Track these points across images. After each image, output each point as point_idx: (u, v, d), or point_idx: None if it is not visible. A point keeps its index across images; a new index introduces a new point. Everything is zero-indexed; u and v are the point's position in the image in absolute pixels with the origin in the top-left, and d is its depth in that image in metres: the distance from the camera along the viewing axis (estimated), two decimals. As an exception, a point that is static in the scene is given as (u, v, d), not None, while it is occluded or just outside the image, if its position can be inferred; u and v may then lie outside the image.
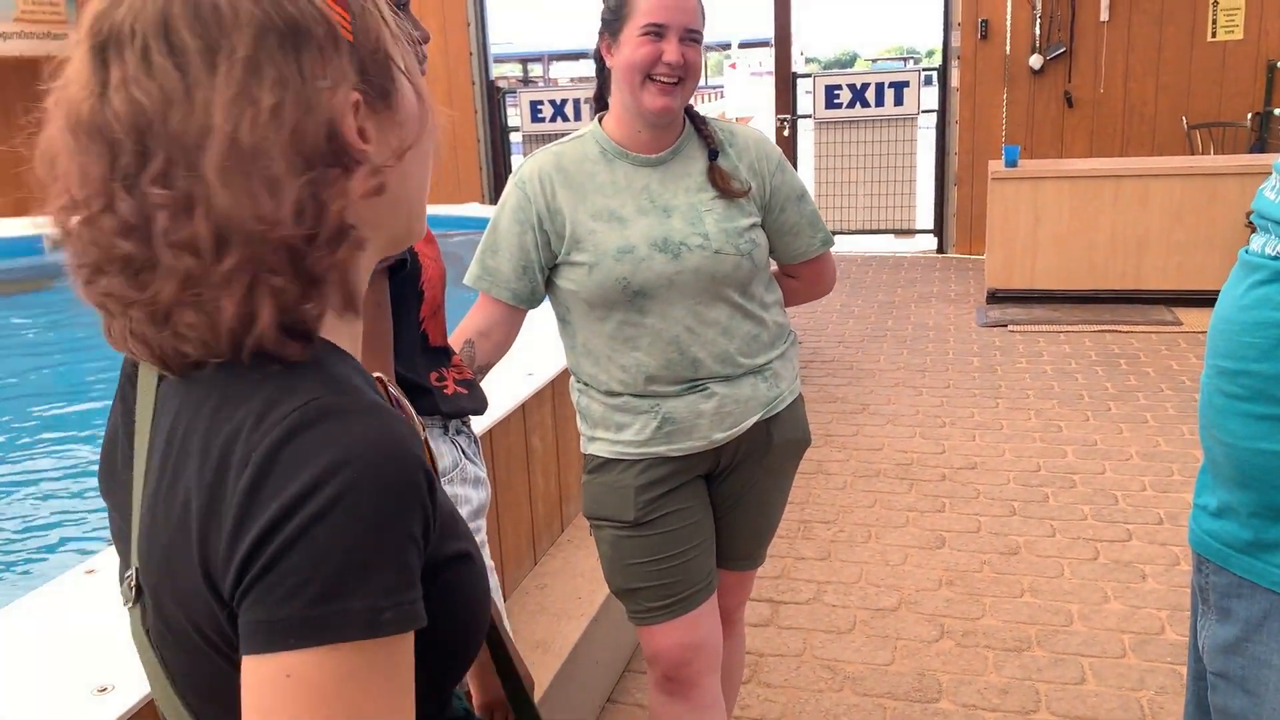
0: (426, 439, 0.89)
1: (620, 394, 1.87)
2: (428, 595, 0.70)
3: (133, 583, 0.76)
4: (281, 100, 0.69)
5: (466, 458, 1.48)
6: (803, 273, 2.04)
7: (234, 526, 0.65)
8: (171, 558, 0.70)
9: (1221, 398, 1.24)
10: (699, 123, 1.89)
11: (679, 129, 1.88)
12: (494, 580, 1.47)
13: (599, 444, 1.92)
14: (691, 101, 1.90)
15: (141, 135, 0.69)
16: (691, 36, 1.77)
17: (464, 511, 1.44)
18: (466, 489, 1.46)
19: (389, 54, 0.77)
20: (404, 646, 0.67)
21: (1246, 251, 1.28)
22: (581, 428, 1.97)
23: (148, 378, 0.78)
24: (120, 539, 0.81)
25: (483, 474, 1.51)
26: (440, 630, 0.73)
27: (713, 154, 1.86)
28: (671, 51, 1.74)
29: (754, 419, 1.90)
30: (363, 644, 0.63)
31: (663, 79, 1.76)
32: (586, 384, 1.92)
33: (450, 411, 1.44)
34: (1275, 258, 1.21)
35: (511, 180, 1.88)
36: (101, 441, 0.87)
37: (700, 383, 1.85)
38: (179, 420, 0.73)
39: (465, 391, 1.48)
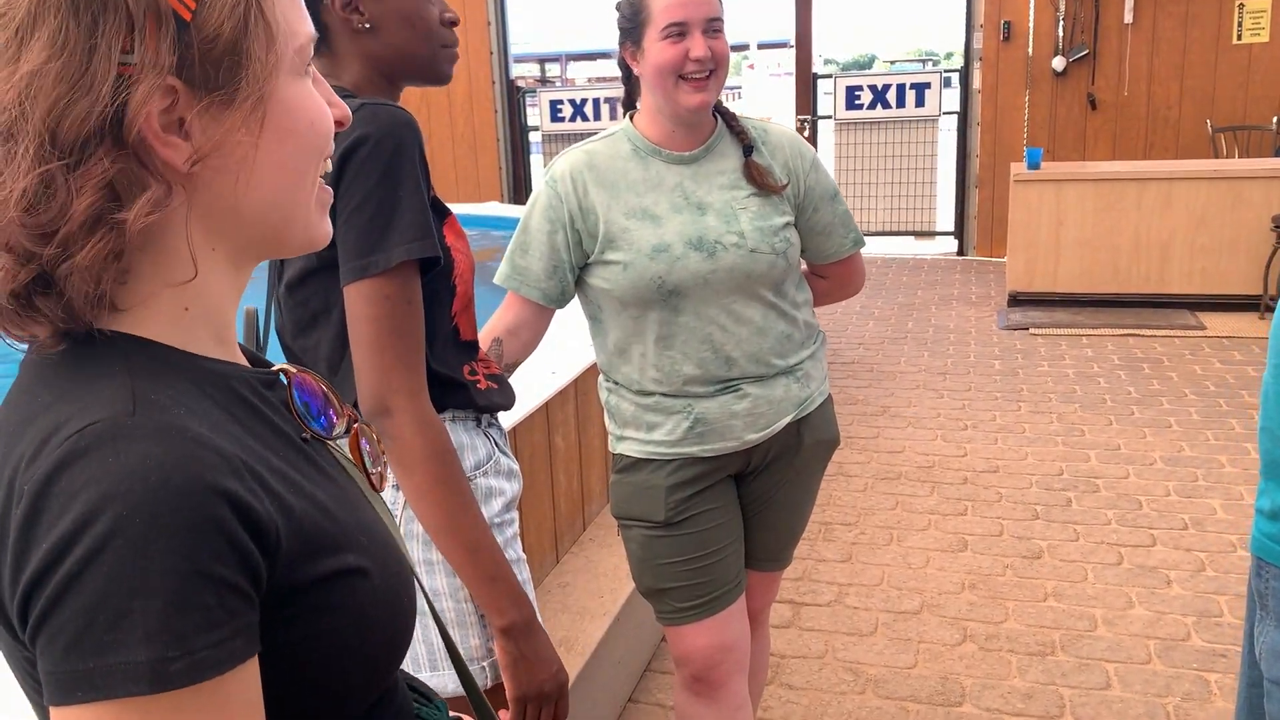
0: (362, 436, 0.84)
1: (653, 393, 1.86)
2: (309, 615, 0.66)
3: None
4: (45, 66, 0.61)
5: (500, 450, 1.48)
6: (832, 273, 2.03)
7: (14, 564, 0.61)
8: None
9: None
10: (730, 119, 1.88)
11: (711, 126, 1.86)
12: (526, 573, 1.47)
13: (629, 443, 1.91)
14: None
15: None
16: (714, 26, 1.75)
17: (497, 504, 1.43)
18: (500, 481, 1.46)
19: (240, 47, 0.67)
20: (227, 686, 0.60)
21: None
22: (610, 427, 1.96)
23: None
24: None
25: (515, 466, 1.51)
26: (331, 646, 0.69)
27: (747, 149, 1.85)
28: (698, 47, 1.73)
29: (786, 420, 1.89)
30: (159, 697, 0.58)
31: (694, 75, 1.74)
32: (618, 383, 1.91)
33: (485, 406, 1.44)
34: None
35: (543, 179, 1.87)
36: None
37: (734, 383, 1.84)
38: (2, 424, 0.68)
39: (496, 386, 1.48)
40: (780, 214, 1.85)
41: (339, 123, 0.77)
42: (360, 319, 1.24)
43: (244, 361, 0.79)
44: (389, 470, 0.89)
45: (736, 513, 1.96)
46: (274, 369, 0.80)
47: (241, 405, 0.72)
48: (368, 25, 1.35)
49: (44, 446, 0.62)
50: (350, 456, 0.84)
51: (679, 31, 1.73)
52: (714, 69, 1.76)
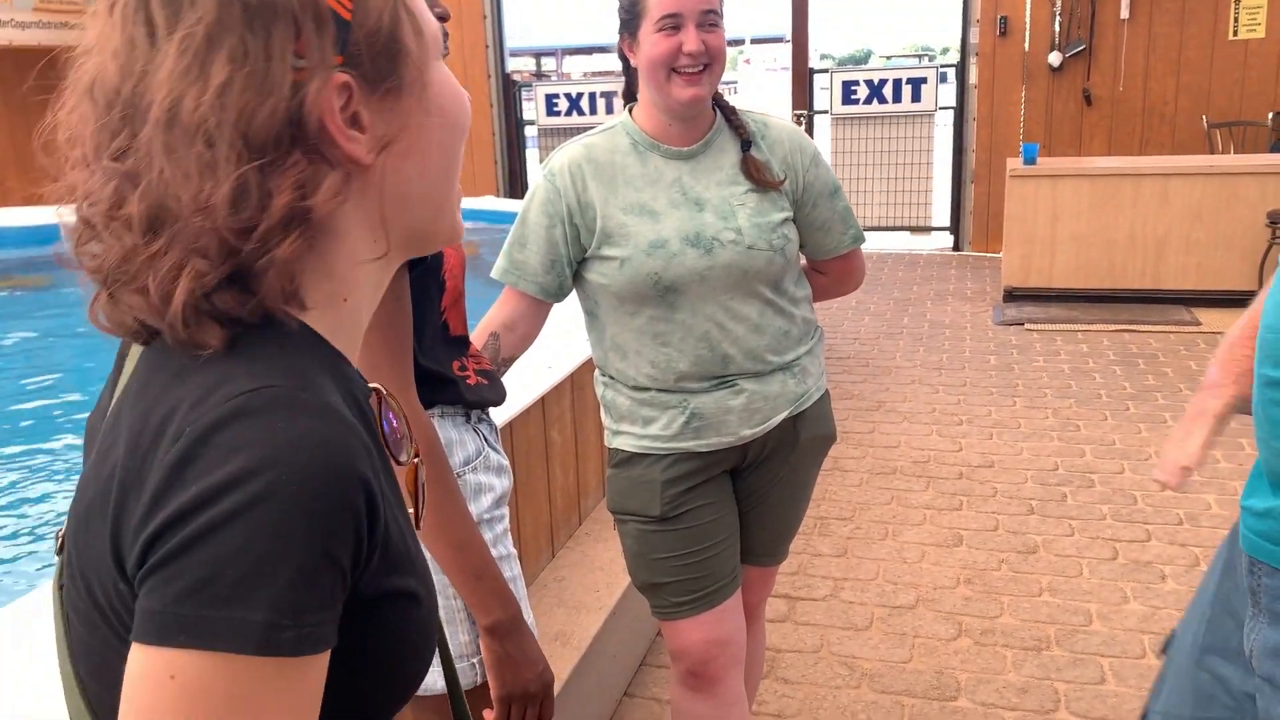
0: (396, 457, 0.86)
1: (648, 389, 1.85)
2: (363, 627, 0.67)
3: (61, 534, 0.75)
4: (231, 78, 0.65)
5: (489, 445, 1.47)
6: (832, 269, 2.02)
7: (150, 501, 0.62)
8: (89, 520, 0.68)
9: (1271, 407, 1.23)
10: (729, 113, 1.86)
11: (710, 120, 1.85)
12: (516, 569, 1.46)
13: (624, 438, 1.91)
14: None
15: (112, 103, 0.68)
16: (709, 20, 1.73)
17: (487, 500, 1.43)
18: (490, 477, 1.45)
19: (397, 37, 0.72)
20: (308, 668, 0.62)
21: None
22: (606, 422, 1.95)
23: (136, 346, 0.75)
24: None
25: (505, 462, 1.51)
26: (370, 664, 0.71)
27: (745, 144, 1.84)
28: (691, 40, 1.71)
29: (782, 415, 1.89)
30: (258, 660, 0.59)
31: (687, 69, 1.73)
32: (613, 378, 1.91)
33: (474, 401, 1.43)
34: None
35: (541, 172, 1.86)
36: None
37: (730, 379, 1.84)
38: (139, 382, 0.70)
39: (486, 382, 1.48)
40: (779, 210, 1.84)
41: None
42: None
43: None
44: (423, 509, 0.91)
45: (732, 507, 1.96)
46: (372, 385, 0.82)
47: (360, 413, 0.74)
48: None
49: (210, 395, 0.63)
50: (407, 488, 0.85)
51: (674, 24, 1.71)
52: (709, 63, 1.74)
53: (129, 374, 0.73)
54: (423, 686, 1.01)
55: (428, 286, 1.35)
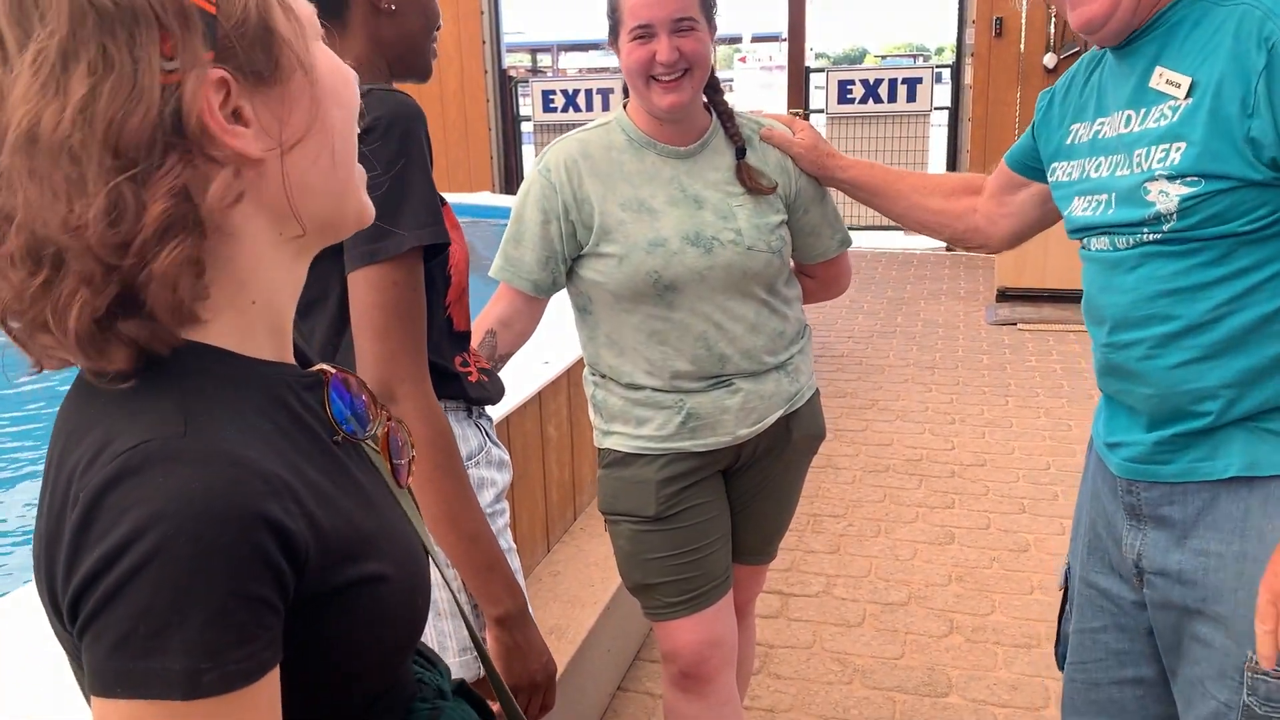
0: (391, 435, 0.86)
1: (643, 387, 1.84)
2: (332, 620, 0.70)
3: None
4: (94, 90, 0.63)
5: (490, 440, 1.48)
6: (820, 273, 2.02)
7: (65, 564, 0.65)
8: (37, 572, 0.71)
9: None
10: (726, 119, 1.85)
11: (706, 121, 1.84)
12: (516, 563, 1.48)
13: (616, 438, 1.89)
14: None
15: None
16: (681, 26, 1.68)
17: (489, 494, 1.44)
18: (491, 472, 1.46)
19: (268, 25, 0.69)
20: (252, 697, 0.64)
21: None
22: (595, 421, 1.94)
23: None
24: None
25: (506, 457, 1.52)
26: (350, 648, 0.73)
27: (740, 151, 1.83)
28: (663, 50, 1.68)
29: (777, 414, 1.89)
30: (190, 704, 0.62)
31: (663, 77, 1.70)
32: (605, 376, 1.89)
33: (477, 398, 1.44)
34: None
35: (535, 168, 1.84)
36: None
37: (726, 379, 1.84)
38: (58, 435, 0.72)
39: (486, 380, 1.49)
40: (775, 212, 1.84)
41: None
42: (367, 305, 1.24)
43: (292, 360, 0.80)
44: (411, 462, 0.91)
45: (725, 507, 1.96)
46: (315, 369, 0.81)
47: (285, 412, 0.74)
48: (392, 7, 1.35)
49: (98, 458, 0.65)
50: (380, 454, 0.86)
51: (646, 34, 1.69)
52: (687, 69, 1.71)
53: (64, 400, 0.75)
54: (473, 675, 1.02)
55: (434, 280, 1.35)
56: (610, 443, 1.91)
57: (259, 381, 0.73)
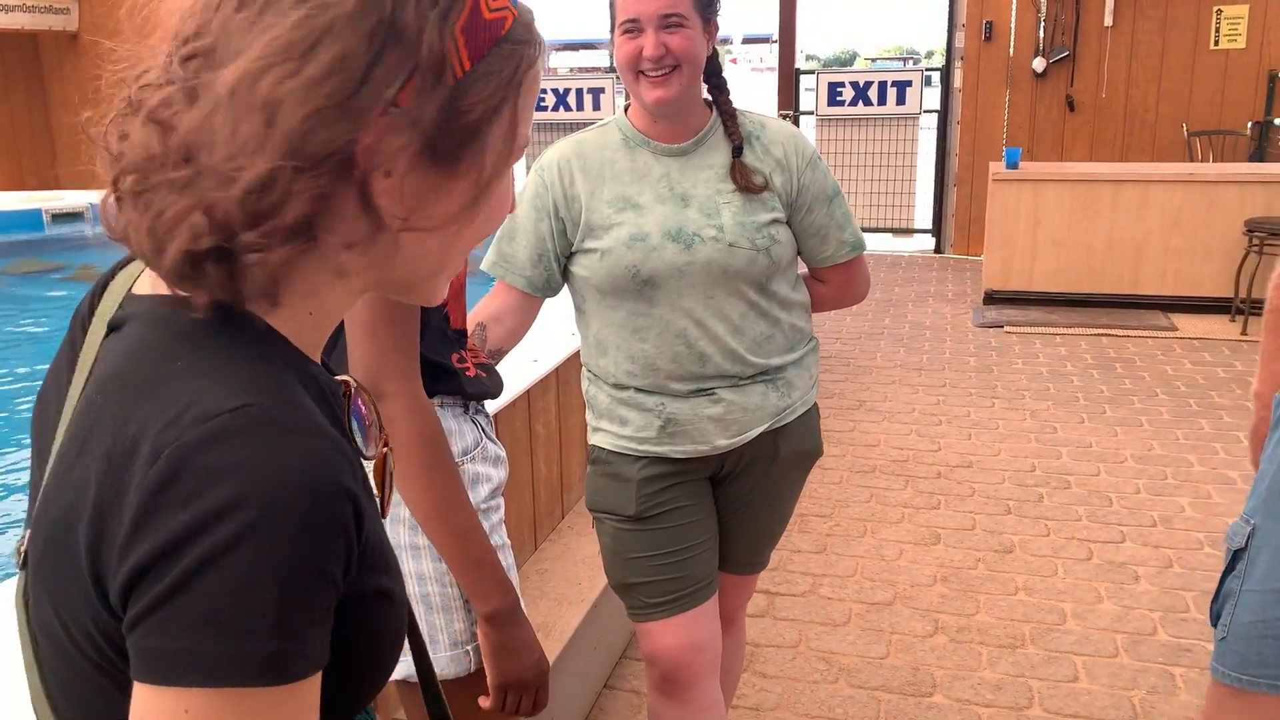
0: (378, 453, 0.85)
1: (627, 387, 1.85)
2: (345, 628, 0.66)
3: (23, 548, 0.71)
4: (322, 79, 0.62)
5: (487, 436, 1.48)
6: (831, 278, 1.97)
7: (132, 527, 0.59)
8: (59, 538, 0.65)
9: None
10: (727, 117, 1.83)
11: (705, 118, 1.83)
12: (510, 559, 1.48)
13: (602, 435, 1.90)
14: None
15: (210, 16, 0.65)
16: (669, 22, 1.68)
17: (484, 490, 1.44)
18: (487, 467, 1.46)
19: (485, 133, 0.69)
20: (309, 688, 0.61)
21: None
22: (588, 417, 1.95)
23: (98, 326, 0.72)
24: (32, 493, 0.74)
25: (502, 453, 1.52)
26: (348, 662, 0.70)
27: (737, 150, 1.81)
28: (649, 45, 1.68)
29: (760, 429, 1.87)
30: (267, 689, 0.58)
31: (651, 72, 1.71)
32: (596, 375, 1.90)
33: (474, 393, 1.44)
34: None
35: (533, 167, 1.87)
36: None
37: (708, 386, 1.82)
38: (106, 385, 0.66)
39: (484, 375, 1.49)
40: (768, 210, 1.82)
41: None
42: (359, 303, 1.25)
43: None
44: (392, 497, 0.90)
45: (711, 512, 1.95)
46: (339, 379, 0.80)
47: (329, 409, 0.73)
48: None
49: (186, 413, 0.61)
50: (375, 478, 0.84)
51: (634, 28, 1.70)
52: (676, 65, 1.70)
53: (93, 358, 0.71)
54: (406, 673, 1.01)
55: None
56: (597, 439, 1.92)
57: (313, 376, 0.72)
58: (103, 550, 0.61)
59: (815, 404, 1.99)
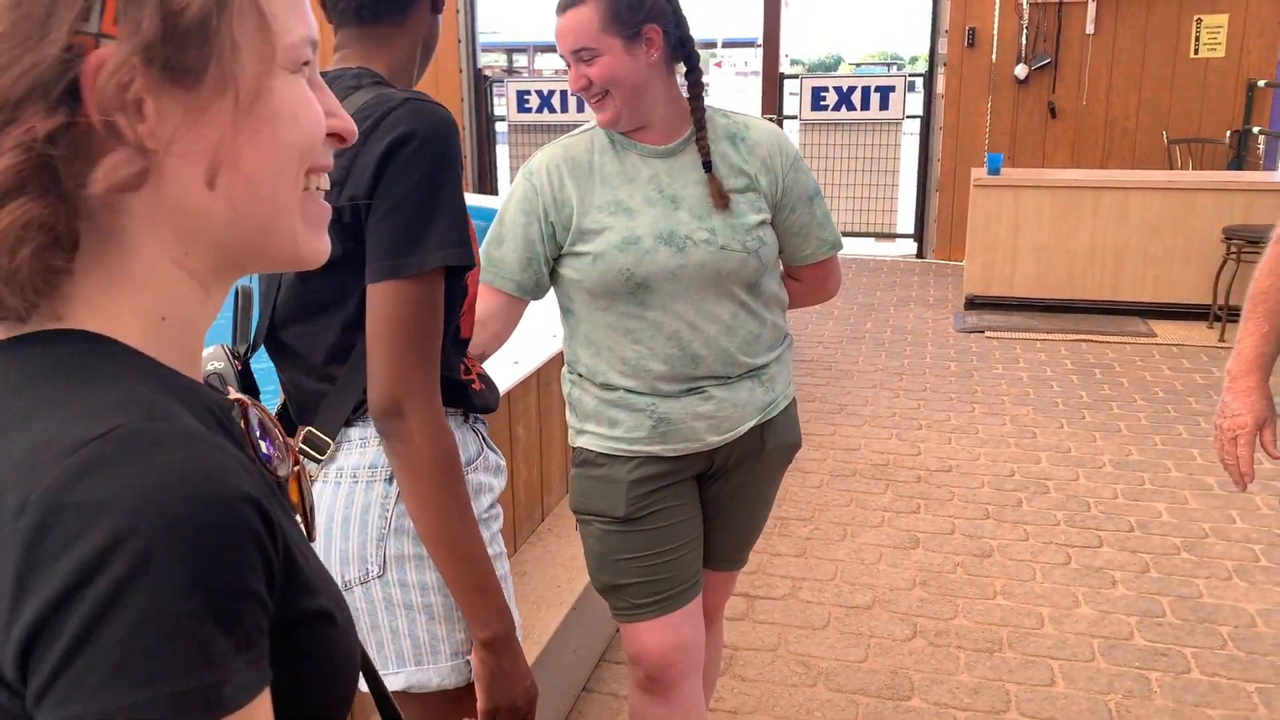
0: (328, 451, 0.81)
1: (617, 388, 1.85)
2: (282, 657, 0.59)
3: None
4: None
5: (487, 445, 1.47)
6: (807, 275, 2.01)
7: (14, 586, 0.52)
8: None
9: None
10: (699, 127, 1.83)
11: (688, 123, 1.84)
12: (505, 568, 1.46)
13: (589, 438, 1.90)
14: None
15: None
16: (581, 56, 1.74)
17: (485, 500, 1.42)
18: (489, 477, 1.45)
19: (218, 29, 0.61)
20: (255, 710, 0.55)
21: None
22: (570, 420, 1.94)
23: None
24: None
25: (502, 461, 1.50)
26: (294, 696, 0.63)
27: (706, 165, 1.81)
28: (572, 79, 1.78)
29: (750, 424, 1.89)
30: None
31: (589, 100, 1.78)
32: (582, 375, 1.90)
33: (480, 406, 1.43)
34: None
35: (520, 172, 1.87)
36: None
37: (699, 385, 1.84)
38: None
39: (485, 387, 1.47)
40: (755, 211, 1.84)
41: (339, 135, 0.71)
42: (384, 318, 1.22)
43: None
44: (314, 513, 0.84)
45: (697, 512, 1.96)
46: (230, 398, 0.74)
47: (220, 426, 0.67)
48: (441, 5, 1.37)
49: (48, 449, 0.55)
50: (292, 501, 0.79)
51: (567, 61, 1.78)
52: (605, 90, 1.75)
53: None
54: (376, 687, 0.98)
55: (453, 292, 1.32)
56: (583, 442, 1.91)
57: (193, 392, 0.65)
58: None
59: (794, 398, 2.03)
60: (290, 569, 0.61)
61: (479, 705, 1.33)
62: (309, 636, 0.64)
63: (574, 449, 1.95)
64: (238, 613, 0.55)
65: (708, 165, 1.82)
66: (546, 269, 1.85)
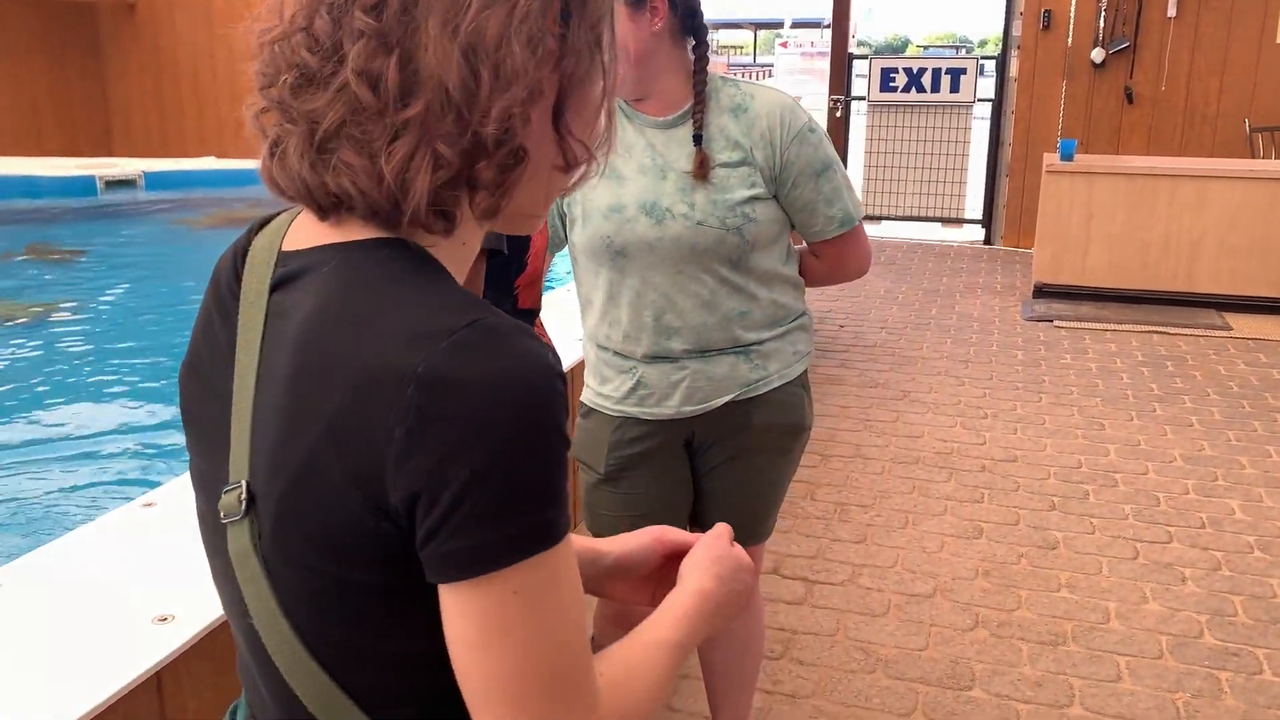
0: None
1: (606, 348, 1.92)
2: None
3: (242, 495, 0.74)
4: (525, 15, 0.71)
5: None
6: (824, 253, 1.96)
7: (404, 443, 0.66)
8: (315, 468, 0.70)
9: None
10: (697, 102, 1.80)
11: (686, 96, 1.83)
12: None
13: (587, 391, 2.00)
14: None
15: None
16: None
17: None
18: None
19: (602, 30, 0.79)
20: (570, 538, 0.73)
21: None
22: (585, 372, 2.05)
23: (256, 288, 0.77)
24: (212, 453, 0.79)
25: None
26: None
27: (696, 138, 1.79)
28: None
29: (727, 398, 1.89)
30: (555, 549, 0.69)
31: None
32: (586, 332, 2.00)
33: None
34: None
35: None
36: (183, 359, 0.85)
37: (673, 355, 1.86)
38: (318, 328, 0.71)
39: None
40: (746, 187, 1.80)
41: None
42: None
43: None
44: None
45: (679, 484, 1.99)
46: None
47: None
48: None
49: (424, 331, 0.68)
50: None
51: None
52: None
53: (263, 316, 0.75)
54: None
55: (508, 262, 1.37)
56: (583, 394, 2.01)
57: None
58: (367, 469, 0.67)
59: (801, 378, 1.98)
60: None
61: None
62: None
63: (580, 400, 2.04)
64: (564, 460, 0.70)
65: (697, 139, 1.80)
66: (562, 225, 1.92)
